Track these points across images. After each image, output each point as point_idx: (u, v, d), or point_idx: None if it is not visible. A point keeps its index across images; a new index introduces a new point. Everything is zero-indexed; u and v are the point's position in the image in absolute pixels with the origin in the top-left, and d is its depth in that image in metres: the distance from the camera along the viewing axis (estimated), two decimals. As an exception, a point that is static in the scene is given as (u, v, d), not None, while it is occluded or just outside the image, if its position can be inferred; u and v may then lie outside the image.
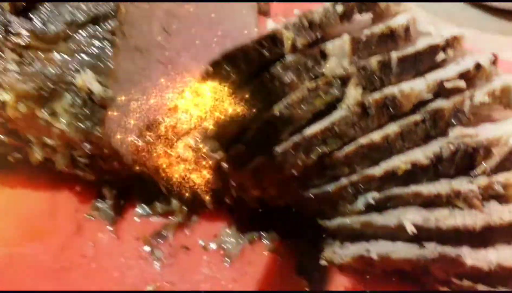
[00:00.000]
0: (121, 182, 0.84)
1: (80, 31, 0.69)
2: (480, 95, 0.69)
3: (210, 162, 0.72)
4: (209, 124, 0.70)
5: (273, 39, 0.68)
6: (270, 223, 0.81)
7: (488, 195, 0.66)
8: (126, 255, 0.80)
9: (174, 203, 0.84)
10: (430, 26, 0.75)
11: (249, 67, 0.68)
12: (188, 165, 0.74)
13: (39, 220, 0.83)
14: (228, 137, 0.70)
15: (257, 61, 0.68)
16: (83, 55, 0.69)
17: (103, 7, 0.69)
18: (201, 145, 0.70)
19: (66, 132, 0.71)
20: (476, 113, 0.74)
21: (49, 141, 0.77)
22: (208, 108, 0.69)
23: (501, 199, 0.66)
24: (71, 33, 0.69)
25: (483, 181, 0.66)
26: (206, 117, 0.70)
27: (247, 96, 0.68)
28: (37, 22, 0.69)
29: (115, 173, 0.81)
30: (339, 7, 0.68)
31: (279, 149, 0.68)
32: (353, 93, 0.66)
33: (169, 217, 0.84)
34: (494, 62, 0.73)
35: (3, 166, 0.84)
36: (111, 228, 0.83)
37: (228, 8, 0.93)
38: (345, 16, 0.68)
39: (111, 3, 0.69)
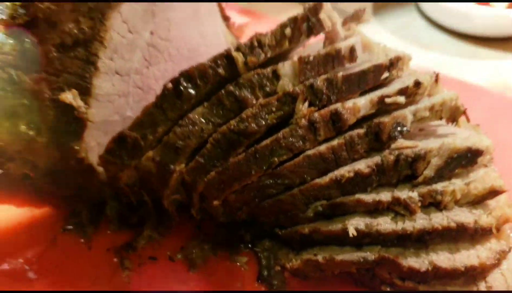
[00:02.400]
0: (96, 196, 0.89)
1: (66, 53, 0.76)
2: (421, 110, 0.75)
3: (173, 174, 0.77)
4: (170, 138, 0.75)
5: (228, 58, 0.74)
6: (233, 234, 0.85)
7: (428, 202, 0.71)
8: (96, 265, 0.84)
9: (144, 215, 0.89)
10: (377, 47, 0.81)
11: (205, 85, 0.74)
12: (153, 178, 0.79)
13: (16, 233, 0.88)
14: (188, 150, 0.75)
15: (213, 79, 0.74)
16: (67, 74, 0.76)
17: (89, 32, 0.76)
18: (163, 158, 0.76)
19: (48, 146, 0.77)
20: (422, 129, 0.79)
21: (30, 157, 0.82)
22: (169, 123, 0.75)
23: (439, 205, 0.70)
24: (58, 54, 0.76)
25: (423, 189, 0.71)
26: (168, 131, 0.76)
27: (205, 111, 0.74)
28: (26, 43, 0.76)
29: (90, 188, 0.86)
30: (287, 30, 0.74)
31: (233, 160, 0.73)
32: (300, 108, 0.72)
33: (139, 229, 0.89)
34: (436, 79, 0.79)
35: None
36: (84, 240, 0.88)
37: (206, 45, 1.02)
38: (293, 39, 0.74)
39: (97, 29, 0.76)
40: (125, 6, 0.78)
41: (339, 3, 1.61)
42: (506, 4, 1.33)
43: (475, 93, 1.17)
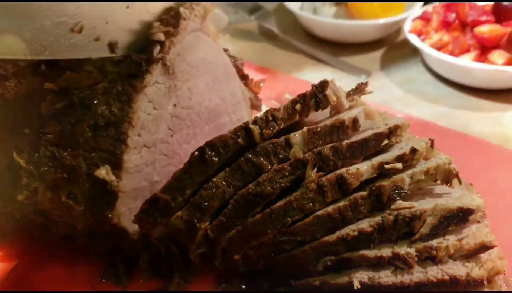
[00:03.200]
0: (129, 251, 0.99)
1: (99, 132, 0.88)
2: (417, 173, 0.84)
3: (199, 231, 0.87)
4: (197, 200, 0.85)
5: (246, 130, 0.84)
6: (252, 283, 0.94)
7: (424, 256, 0.79)
8: (131, 311, 0.94)
9: (173, 265, 0.99)
10: (378, 116, 0.92)
11: (227, 153, 0.84)
12: (181, 234, 0.89)
13: (58, 283, 0.98)
14: (212, 210, 0.86)
15: (234, 148, 0.84)
16: (100, 151, 0.87)
17: (119, 114, 0.87)
18: (190, 217, 0.86)
19: (85, 214, 0.88)
20: (420, 188, 0.89)
21: (70, 221, 0.92)
22: (195, 186, 0.86)
23: (434, 259, 0.79)
24: (92, 134, 0.88)
25: (419, 245, 0.79)
26: (194, 193, 0.86)
27: (226, 176, 0.85)
28: (67, 125, 0.88)
29: (124, 244, 0.97)
30: (298, 106, 0.85)
31: (251, 219, 0.83)
32: (310, 174, 0.82)
33: (169, 278, 0.99)
34: (431, 145, 0.89)
35: (29, 238, 1.01)
36: (120, 289, 0.98)
37: (225, 105, 1.13)
38: (303, 113, 0.85)
39: (126, 111, 0.87)
40: (150, 88, 0.88)
41: (353, 58, 1.71)
42: (504, 60, 1.42)
43: (475, 146, 1.26)
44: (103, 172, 0.85)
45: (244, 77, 1.28)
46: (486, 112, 1.45)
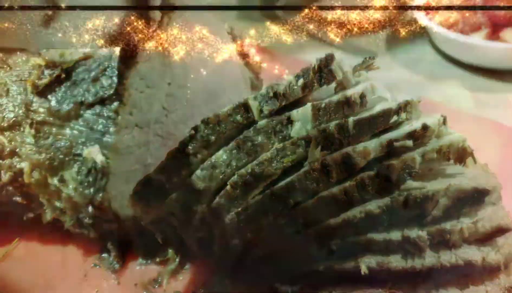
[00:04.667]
0: (122, 237, 0.95)
1: (88, 110, 0.83)
2: (429, 152, 0.78)
3: (195, 215, 0.82)
4: (192, 181, 0.80)
5: (245, 106, 0.79)
6: (252, 270, 0.89)
7: (437, 240, 0.74)
8: (125, 298, 0.90)
9: (169, 252, 0.94)
10: (386, 92, 0.86)
11: (224, 131, 0.79)
12: (176, 218, 0.84)
13: (51, 270, 0.94)
14: (209, 192, 0.80)
15: (232, 126, 0.79)
16: (90, 131, 0.82)
17: (109, 91, 0.83)
18: (186, 200, 0.81)
19: (73, 197, 0.84)
20: (431, 168, 0.83)
21: (58, 204, 0.89)
22: (191, 167, 0.80)
23: (448, 243, 0.74)
24: (81, 112, 0.83)
25: (431, 228, 0.74)
26: (190, 174, 0.81)
27: (224, 156, 0.80)
28: (53, 102, 0.83)
29: (116, 230, 0.93)
30: (300, 80, 0.79)
31: (252, 201, 0.78)
32: (313, 152, 0.76)
33: (165, 265, 0.94)
34: (444, 122, 0.83)
35: (20, 224, 0.96)
36: (114, 275, 0.93)
37: (224, 84, 1.07)
38: (306, 88, 0.80)
39: (118, 88, 0.82)
40: (142, 64, 0.84)
41: (358, 39, 1.65)
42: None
43: (488, 127, 1.20)
44: (92, 152, 0.80)
45: (244, 56, 1.23)
46: (498, 94, 1.38)
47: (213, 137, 0.80)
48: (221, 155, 0.80)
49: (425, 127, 0.78)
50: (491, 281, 0.74)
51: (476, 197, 0.74)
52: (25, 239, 0.99)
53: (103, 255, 0.95)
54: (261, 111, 0.78)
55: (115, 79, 0.82)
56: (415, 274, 0.72)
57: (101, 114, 0.81)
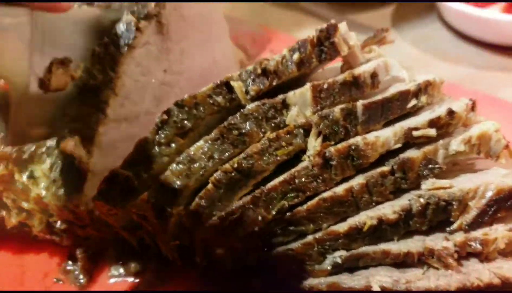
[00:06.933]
0: (94, 244, 0.84)
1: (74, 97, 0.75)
2: (456, 143, 0.66)
3: (171, 218, 0.69)
4: (167, 177, 0.68)
5: (228, 86, 0.67)
6: (240, 281, 0.77)
7: (466, 252, 0.62)
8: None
9: (147, 262, 0.82)
10: (403, 71, 0.73)
11: (203, 116, 0.68)
12: (149, 222, 0.71)
13: (6, 286, 0.81)
14: (187, 191, 0.68)
15: (211, 109, 0.68)
16: (72, 120, 0.74)
17: (100, 78, 0.75)
18: (159, 200, 0.68)
19: (44, 197, 0.74)
20: (456, 163, 0.70)
21: (25, 205, 0.79)
22: (164, 159, 0.68)
23: (479, 256, 0.62)
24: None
25: (459, 237, 0.62)
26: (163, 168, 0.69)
27: (205, 147, 0.67)
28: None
29: (90, 237, 0.83)
30: (296, 55, 0.66)
31: (238, 203, 0.65)
32: (313, 143, 0.64)
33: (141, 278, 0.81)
34: (473, 107, 0.70)
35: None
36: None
37: (217, 69, 1.00)
38: (303, 64, 0.66)
39: (112, 76, 0.75)
40: (139, 50, 0.77)
41: (360, 16, 1.53)
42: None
43: (508, 110, 1.08)
44: (71, 145, 0.71)
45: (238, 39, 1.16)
46: (517, 74, 1.25)
47: (189, 123, 0.69)
48: (201, 146, 0.68)
49: (450, 113, 0.66)
50: (531, 302, 0.61)
51: (513, 199, 0.63)
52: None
53: (67, 267, 0.82)
54: (246, 92, 0.65)
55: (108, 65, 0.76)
56: (439, 295, 0.59)
57: (88, 103, 0.74)
